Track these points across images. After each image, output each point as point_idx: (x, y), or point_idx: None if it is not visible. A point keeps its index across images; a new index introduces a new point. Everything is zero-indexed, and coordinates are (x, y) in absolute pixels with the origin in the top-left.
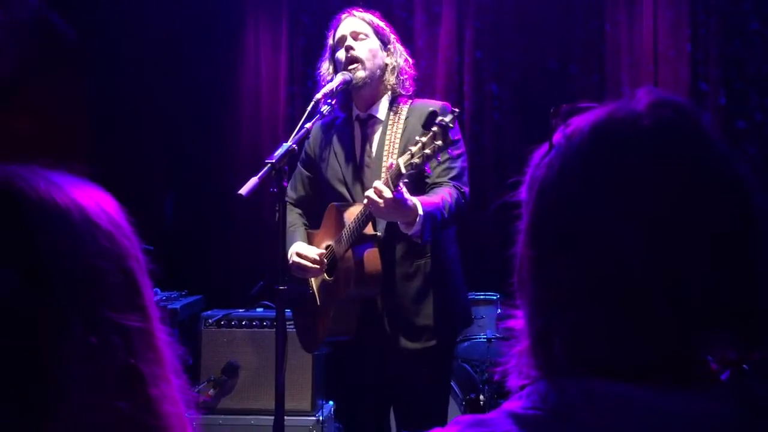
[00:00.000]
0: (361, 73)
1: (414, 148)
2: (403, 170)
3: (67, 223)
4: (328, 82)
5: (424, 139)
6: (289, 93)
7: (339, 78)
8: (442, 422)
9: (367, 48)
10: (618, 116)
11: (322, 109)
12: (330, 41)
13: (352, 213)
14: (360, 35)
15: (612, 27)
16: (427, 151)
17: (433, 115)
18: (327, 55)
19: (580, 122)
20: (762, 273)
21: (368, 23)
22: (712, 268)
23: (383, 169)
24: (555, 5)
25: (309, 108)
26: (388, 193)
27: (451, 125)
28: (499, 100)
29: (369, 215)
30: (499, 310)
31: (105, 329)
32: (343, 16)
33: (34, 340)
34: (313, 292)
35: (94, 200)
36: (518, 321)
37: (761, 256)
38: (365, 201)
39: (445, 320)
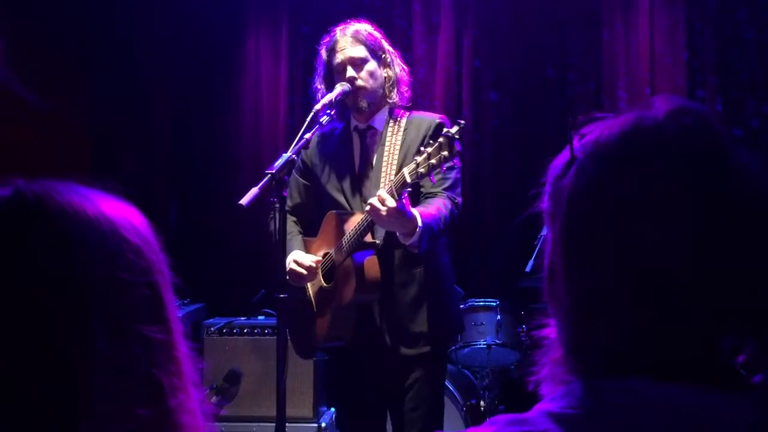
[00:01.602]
0: (363, 103)
1: (420, 158)
2: (408, 180)
3: (97, 234)
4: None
5: (429, 149)
6: (290, 103)
7: (338, 89)
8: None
9: (367, 72)
10: (645, 125)
11: (321, 120)
12: (324, 57)
13: (353, 221)
14: (357, 61)
15: (609, 35)
16: (433, 161)
17: (440, 126)
18: (321, 71)
19: (602, 132)
20: None
21: (362, 42)
22: (740, 270)
23: (382, 180)
24: (552, 14)
25: (308, 118)
26: (391, 202)
27: (457, 137)
28: (498, 108)
29: (370, 223)
30: (498, 317)
31: (128, 339)
32: (338, 34)
33: (61, 346)
34: (310, 298)
35: (124, 215)
36: (550, 330)
37: None
38: (367, 209)
39: (440, 327)
